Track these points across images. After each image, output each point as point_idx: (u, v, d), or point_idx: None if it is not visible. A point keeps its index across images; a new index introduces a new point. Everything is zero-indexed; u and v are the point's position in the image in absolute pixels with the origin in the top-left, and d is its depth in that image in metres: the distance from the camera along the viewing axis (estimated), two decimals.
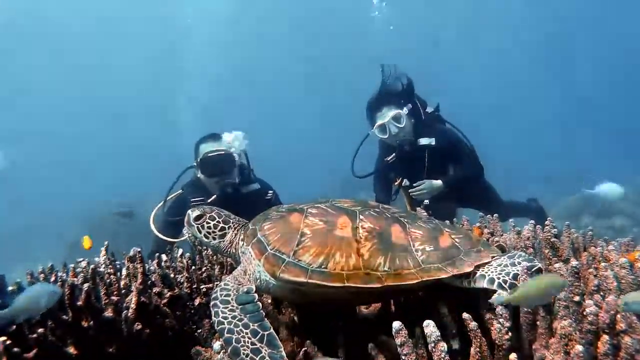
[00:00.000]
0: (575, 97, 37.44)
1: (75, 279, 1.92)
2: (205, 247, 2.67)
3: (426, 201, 4.85)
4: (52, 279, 1.93)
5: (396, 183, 5.17)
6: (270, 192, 5.11)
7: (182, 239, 4.41)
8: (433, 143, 5.06)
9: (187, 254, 2.61)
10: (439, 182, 5.00)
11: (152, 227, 4.66)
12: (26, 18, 28.65)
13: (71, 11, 29.73)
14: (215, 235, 2.12)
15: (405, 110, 5.12)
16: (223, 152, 4.82)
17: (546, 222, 2.84)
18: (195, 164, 4.95)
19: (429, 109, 5.45)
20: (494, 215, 2.95)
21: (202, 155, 4.81)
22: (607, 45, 36.27)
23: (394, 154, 5.28)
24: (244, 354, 1.66)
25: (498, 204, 5.57)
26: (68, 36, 30.85)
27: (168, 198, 4.99)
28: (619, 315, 1.32)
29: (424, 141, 5.11)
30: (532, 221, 2.87)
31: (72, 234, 13.10)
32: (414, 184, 5.03)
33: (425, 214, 3.16)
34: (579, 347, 1.26)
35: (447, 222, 3.15)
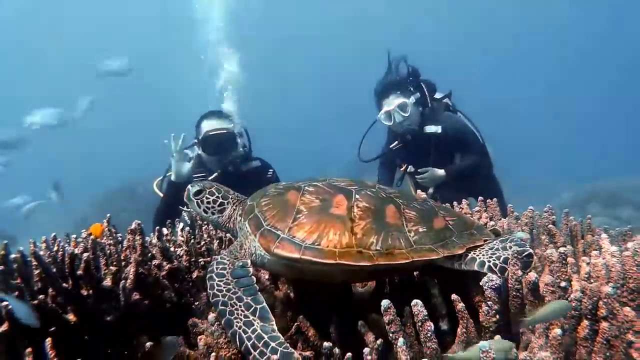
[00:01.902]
0: (591, 89, 37.17)
1: (75, 248, 1.97)
2: (205, 222, 2.72)
3: (431, 190, 4.88)
4: (55, 248, 1.97)
5: (401, 169, 5.19)
6: (271, 170, 5.12)
7: (185, 210, 4.45)
8: (439, 131, 5.03)
9: (187, 228, 2.65)
10: (441, 171, 5.00)
11: (155, 189, 4.79)
12: None
13: None
14: (215, 210, 2.16)
15: (412, 99, 5.08)
16: (225, 131, 4.82)
17: (545, 209, 2.86)
18: (196, 140, 4.94)
19: (438, 94, 5.40)
20: (494, 199, 2.96)
21: (204, 134, 4.81)
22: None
23: (396, 142, 5.30)
24: (236, 325, 1.70)
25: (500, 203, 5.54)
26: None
27: (168, 174, 4.99)
28: (600, 302, 1.34)
29: (430, 129, 5.08)
30: (531, 207, 2.89)
31: (79, 209, 13.32)
32: (419, 170, 5.04)
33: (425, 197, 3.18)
34: (557, 331, 1.28)
35: (448, 204, 3.18)
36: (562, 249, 1.55)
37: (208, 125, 4.86)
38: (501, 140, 6.21)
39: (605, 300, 1.33)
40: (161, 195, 4.82)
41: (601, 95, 37.14)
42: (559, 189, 14.08)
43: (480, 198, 3.03)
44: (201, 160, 4.98)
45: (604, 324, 1.28)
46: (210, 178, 4.68)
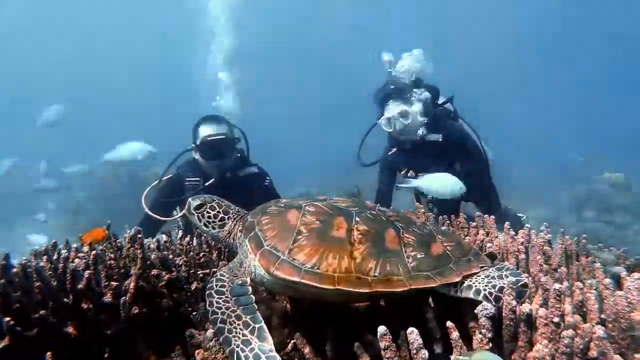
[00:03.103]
0: (585, 88, 37.26)
1: (77, 260, 1.99)
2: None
3: (429, 196, 4.92)
4: (55, 256, 2.00)
5: (402, 173, 5.22)
6: (268, 178, 5.12)
7: (170, 219, 4.51)
8: (440, 139, 5.06)
9: (187, 238, 2.67)
10: None
11: (144, 205, 4.66)
12: None
13: None
14: (215, 225, 2.19)
15: (413, 108, 5.10)
16: (223, 137, 4.79)
17: (541, 228, 2.90)
18: (193, 145, 4.92)
19: (441, 99, 5.42)
20: (491, 216, 3.00)
21: (202, 139, 4.78)
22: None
23: (394, 149, 5.36)
24: (234, 344, 1.72)
25: (495, 206, 5.58)
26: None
27: (163, 178, 4.99)
28: (592, 343, 1.38)
29: (431, 137, 5.10)
30: (528, 225, 2.92)
31: (75, 194, 13.38)
32: (419, 175, 5.07)
33: (424, 209, 3.21)
34: None
35: (446, 218, 3.21)
36: (557, 286, 1.57)
37: (206, 130, 4.83)
38: (497, 142, 6.24)
39: (596, 342, 1.36)
40: (147, 211, 4.70)
41: (596, 94, 37.29)
42: (556, 188, 14.13)
43: (477, 213, 3.06)
44: (198, 165, 4.96)
45: None
46: (206, 184, 4.69)
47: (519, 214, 6.16)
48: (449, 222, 3.14)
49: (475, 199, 5.55)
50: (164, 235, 2.68)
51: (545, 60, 39.01)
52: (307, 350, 1.92)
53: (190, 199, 2.24)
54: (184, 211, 4.48)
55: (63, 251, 2.15)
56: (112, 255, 2.07)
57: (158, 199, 4.89)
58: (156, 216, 4.52)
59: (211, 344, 1.90)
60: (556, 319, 1.55)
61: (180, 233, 2.96)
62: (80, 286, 1.79)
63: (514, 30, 36.96)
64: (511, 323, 1.68)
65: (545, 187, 14.17)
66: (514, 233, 2.86)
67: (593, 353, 1.37)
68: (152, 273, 2.22)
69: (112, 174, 12.98)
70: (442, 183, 4.43)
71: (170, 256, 2.49)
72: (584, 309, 1.77)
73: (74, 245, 2.23)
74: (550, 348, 1.49)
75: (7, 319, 1.61)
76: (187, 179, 4.86)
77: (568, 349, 1.45)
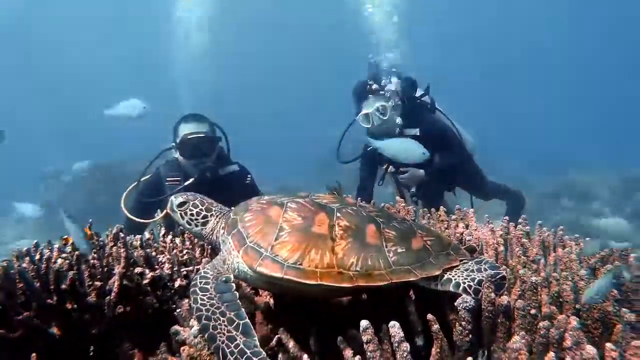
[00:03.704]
0: (567, 81, 37.91)
1: (60, 260, 1.99)
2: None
3: (413, 189, 5.02)
4: (37, 257, 1.99)
5: (383, 168, 5.29)
6: (249, 175, 5.10)
7: (152, 220, 4.46)
8: (418, 133, 5.12)
9: (170, 236, 2.68)
10: (421, 171, 5.14)
11: (123, 208, 4.63)
12: None
13: None
14: (198, 222, 2.20)
15: (391, 103, 5.16)
16: (203, 135, 4.76)
17: (520, 220, 2.96)
18: (173, 144, 4.89)
19: (419, 92, 5.48)
20: (471, 210, 3.05)
21: (182, 137, 4.74)
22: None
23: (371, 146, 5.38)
24: (219, 340, 1.75)
25: (483, 185, 5.75)
26: None
27: (142, 179, 4.96)
28: (567, 334, 1.43)
29: (409, 132, 5.17)
30: (506, 217, 2.98)
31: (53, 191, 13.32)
32: (401, 169, 5.15)
33: (404, 203, 3.26)
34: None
35: (426, 211, 3.27)
36: (534, 279, 1.63)
37: (186, 129, 4.79)
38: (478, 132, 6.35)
39: (571, 332, 1.41)
40: (127, 214, 4.67)
41: (574, 87, 37.95)
42: (533, 180, 14.35)
43: (457, 206, 3.11)
44: (178, 164, 4.93)
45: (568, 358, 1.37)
46: (186, 183, 4.66)
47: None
48: (429, 215, 3.19)
49: (462, 185, 5.67)
50: (146, 233, 2.68)
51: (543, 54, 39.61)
52: (291, 344, 1.95)
53: (172, 197, 2.24)
54: (165, 211, 4.48)
55: (45, 251, 2.14)
56: (95, 255, 2.07)
57: (139, 200, 4.86)
58: (137, 219, 4.49)
59: (196, 340, 1.91)
60: (533, 311, 1.60)
61: (163, 230, 2.95)
62: (64, 286, 1.79)
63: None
64: (490, 315, 1.73)
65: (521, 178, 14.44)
66: (492, 226, 2.93)
67: (568, 343, 1.42)
68: (136, 271, 2.23)
69: (89, 173, 12.97)
70: (405, 147, 4.48)
71: (153, 254, 2.50)
72: (560, 300, 1.83)
73: (56, 245, 2.23)
74: (527, 339, 1.54)
75: None
76: (167, 179, 4.82)
77: (544, 340, 1.51)
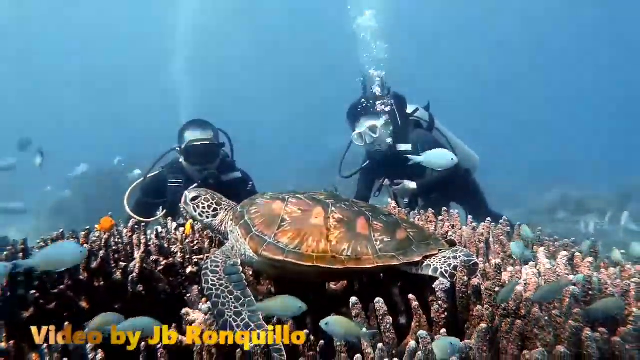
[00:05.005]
0: (567, 94, 38.18)
1: (86, 245, 2.26)
2: (197, 223, 3.01)
3: (406, 200, 5.30)
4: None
5: (380, 182, 5.62)
6: (251, 182, 5.27)
7: (153, 219, 4.64)
8: (410, 149, 5.35)
9: (182, 229, 2.95)
10: (413, 184, 5.38)
11: (126, 207, 4.79)
12: None
13: None
14: (209, 214, 2.48)
15: (381, 121, 5.45)
16: (208, 142, 4.90)
17: (500, 221, 3.24)
18: (178, 148, 5.01)
19: (410, 109, 5.75)
20: (456, 211, 3.32)
21: (187, 143, 4.87)
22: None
23: (368, 161, 5.79)
24: (228, 315, 2.02)
25: (481, 207, 5.85)
26: None
27: (147, 175, 5.10)
28: (521, 304, 1.70)
29: (401, 147, 5.43)
30: (489, 218, 3.26)
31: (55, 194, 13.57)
32: (395, 181, 5.44)
33: (397, 208, 3.52)
34: (483, 325, 1.64)
35: (416, 212, 3.54)
36: (497, 261, 1.90)
37: (192, 135, 4.94)
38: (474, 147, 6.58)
39: (525, 303, 1.68)
40: (129, 212, 4.77)
41: (569, 100, 38.29)
42: (529, 196, 14.62)
43: (444, 208, 3.37)
44: (182, 167, 5.05)
45: (518, 322, 1.63)
46: (190, 188, 4.83)
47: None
48: (418, 216, 3.45)
49: (460, 200, 5.91)
50: (159, 227, 2.95)
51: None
52: (289, 323, 2.21)
53: (186, 192, 2.53)
54: (165, 211, 4.65)
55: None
56: (118, 240, 2.35)
57: (141, 200, 5.02)
58: (138, 218, 4.67)
59: (206, 317, 2.17)
60: (497, 289, 1.87)
61: (175, 225, 3.22)
62: (94, 265, 2.06)
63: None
64: (464, 296, 2.00)
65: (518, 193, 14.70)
66: (475, 225, 3.20)
67: (522, 312, 1.69)
68: (152, 259, 2.50)
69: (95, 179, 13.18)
70: (438, 155, 4.60)
71: (166, 245, 2.76)
72: (528, 283, 2.10)
73: (82, 233, 2.50)
74: (491, 311, 1.81)
75: (33, 291, 1.87)
76: (169, 181, 4.96)
77: (505, 312, 1.78)
